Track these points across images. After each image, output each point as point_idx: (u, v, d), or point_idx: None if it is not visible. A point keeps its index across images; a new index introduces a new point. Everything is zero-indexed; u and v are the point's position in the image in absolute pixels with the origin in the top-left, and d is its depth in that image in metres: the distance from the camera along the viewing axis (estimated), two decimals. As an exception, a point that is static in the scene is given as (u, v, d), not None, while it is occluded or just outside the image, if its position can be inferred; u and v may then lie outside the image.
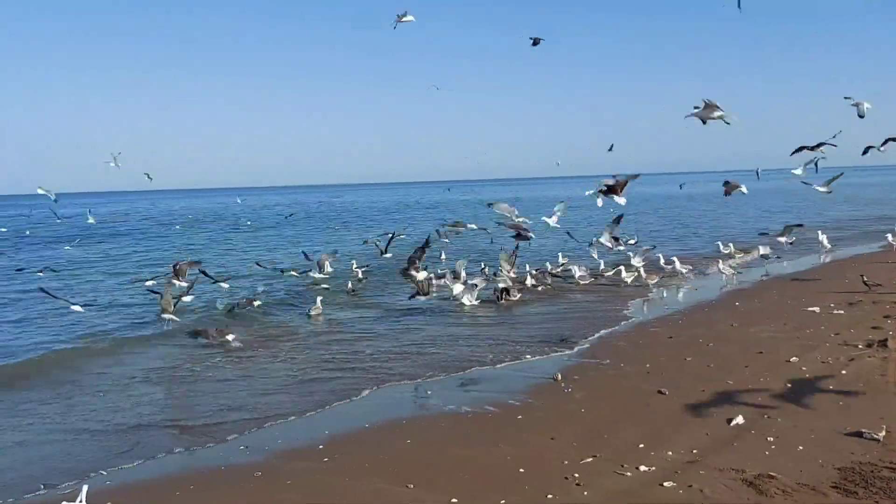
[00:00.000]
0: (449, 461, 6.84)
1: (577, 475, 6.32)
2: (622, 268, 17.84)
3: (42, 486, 6.78)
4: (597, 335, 12.31)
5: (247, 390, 9.76)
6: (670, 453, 6.71)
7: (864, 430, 6.70)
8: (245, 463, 7.16)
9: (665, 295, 16.54)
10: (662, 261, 18.57)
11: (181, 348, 12.45)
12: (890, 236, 21.88)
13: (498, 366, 10.53)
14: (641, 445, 6.95)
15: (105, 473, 7.03)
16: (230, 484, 6.63)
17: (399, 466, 6.77)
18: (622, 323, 13.41)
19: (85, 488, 5.52)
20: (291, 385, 9.96)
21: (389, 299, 17.16)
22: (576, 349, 11.29)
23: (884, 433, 6.60)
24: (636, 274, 17.63)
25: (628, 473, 6.31)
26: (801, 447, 6.60)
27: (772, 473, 6.00)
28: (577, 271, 17.81)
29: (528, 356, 11.03)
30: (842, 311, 12.86)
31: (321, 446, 7.43)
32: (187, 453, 7.58)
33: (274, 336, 13.36)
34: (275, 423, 8.39)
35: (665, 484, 6.02)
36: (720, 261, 18.61)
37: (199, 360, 11.54)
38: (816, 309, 13.20)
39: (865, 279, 15.01)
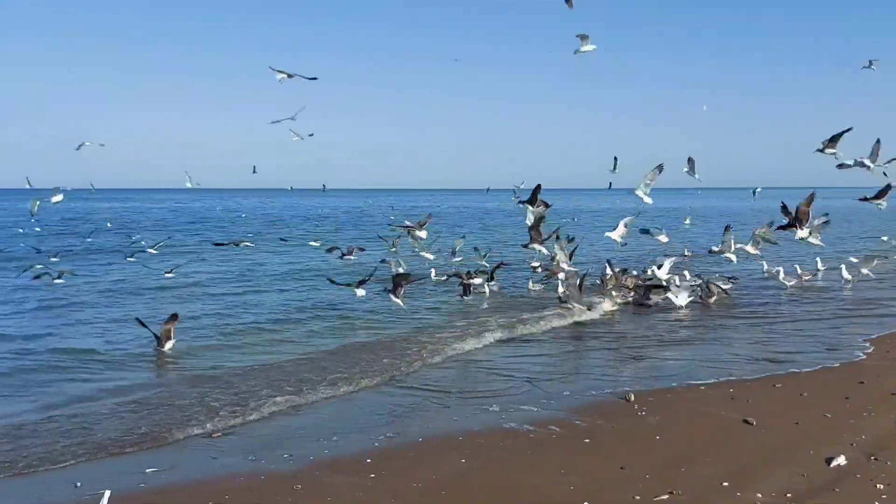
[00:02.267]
0: (506, 487, 6.16)
1: (649, 514, 5.55)
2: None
3: None
4: (666, 351, 11.41)
5: (294, 381, 9.35)
6: (760, 495, 5.85)
7: None
8: (287, 472, 6.65)
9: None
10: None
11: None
12: None
13: (563, 379, 9.77)
14: (725, 484, 6.11)
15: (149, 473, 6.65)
16: (267, 497, 6.12)
17: (451, 490, 6.13)
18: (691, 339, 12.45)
19: (107, 494, 5.07)
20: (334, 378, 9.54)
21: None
22: (650, 365, 10.41)
23: None
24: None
25: (710, 517, 5.49)
26: (917, 499, 5.64)
27: (885, 530, 5.08)
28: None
29: (595, 371, 10.25)
30: (956, 341, 11.53)
31: (368, 460, 6.85)
32: (229, 454, 7.14)
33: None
34: (321, 426, 7.99)
35: (754, 533, 5.19)
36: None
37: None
38: (921, 336, 11.91)
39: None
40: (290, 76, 11.86)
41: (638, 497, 5.87)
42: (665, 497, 5.86)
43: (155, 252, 22.50)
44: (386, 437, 7.52)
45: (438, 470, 6.55)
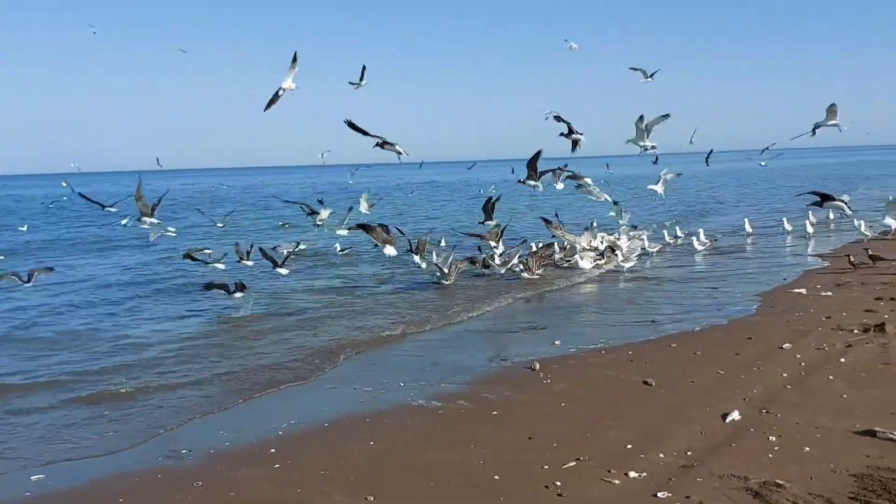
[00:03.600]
0: (415, 467, 6.05)
1: (558, 483, 5.58)
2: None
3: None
4: (569, 320, 11.61)
5: (187, 373, 8.98)
6: (662, 455, 6.00)
7: (876, 429, 6.03)
8: (186, 469, 6.30)
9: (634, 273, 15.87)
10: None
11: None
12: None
13: (471, 353, 9.76)
14: (629, 446, 6.23)
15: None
16: (166, 497, 5.77)
17: (359, 474, 5.96)
18: (594, 306, 12.74)
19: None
20: (236, 369, 9.24)
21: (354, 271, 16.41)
22: (551, 334, 10.54)
23: (900, 433, 5.93)
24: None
25: (616, 481, 5.58)
26: (807, 448, 5.92)
27: (779, 481, 5.30)
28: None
29: (502, 343, 10.31)
30: (830, 293, 12.27)
31: (273, 450, 6.57)
32: (121, 454, 6.71)
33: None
34: (221, 415, 7.68)
35: (659, 494, 5.30)
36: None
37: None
38: (803, 290, 12.61)
39: (852, 258, 14.48)
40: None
41: (546, 466, 5.89)
42: (573, 464, 5.92)
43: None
44: (290, 423, 7.25)
45: (346, 454, 6.37)
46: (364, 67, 12.12)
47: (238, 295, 12.93)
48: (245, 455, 6.51)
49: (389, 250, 13.50)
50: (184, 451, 6.67)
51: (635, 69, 13.49)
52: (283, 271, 13.80)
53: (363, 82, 12.26)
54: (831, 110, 11.78)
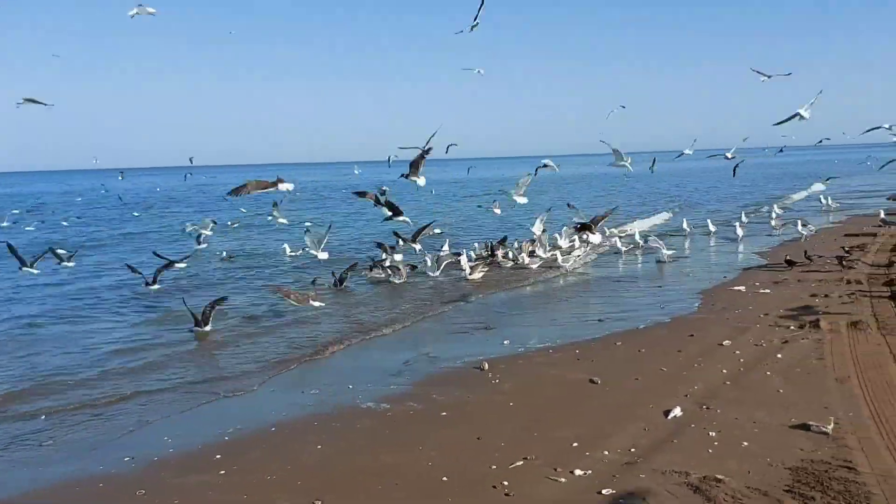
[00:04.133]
0: (364, 469, 6.04)
1: (505, 483, 5.64)
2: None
3: None
4: (517, 320, 11.74)
5: (130, 383, 8.80)
6: (607, 453, 6.12)
7: (811, 423, 6.26)
8: (128, 477, 6.16)
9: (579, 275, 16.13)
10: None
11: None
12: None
13: (421, 354, 9.78)
14: (575, 444, 6.34)
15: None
16: (107, 505, 5.65)
17: (307, 478, 5.92)
18: (542, 306, 12.90)
19: None
20: (181, 377, 9.05)
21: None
22: (500, 334, 10.63)
23: (832, 426, 6.17)
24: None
25: (562, 479, 5.67)
26: (745, 443, 6.12)
27: (718, 476, 5.46)
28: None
29: (451, 343, 10.35)
30: (768, 290, 12.68)
31: (218, 456, 6.48)
32: (61, 462, 6.53)
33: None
34: (164, 422, 7.54)
35: (604, 491, 5.41)
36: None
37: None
38: (742, 288, 12.99)
39: (788, 257, 14.97)
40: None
41: (494, 466, 5.95)
42: (520, 463, 5.99)
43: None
44: (235, 428, 7.16)
45: (293, 459, 6.32)
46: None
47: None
48: (190, 461, 6.40)
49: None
50: (126, 459, 6.53)
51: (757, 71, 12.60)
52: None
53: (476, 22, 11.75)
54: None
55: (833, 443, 5.97)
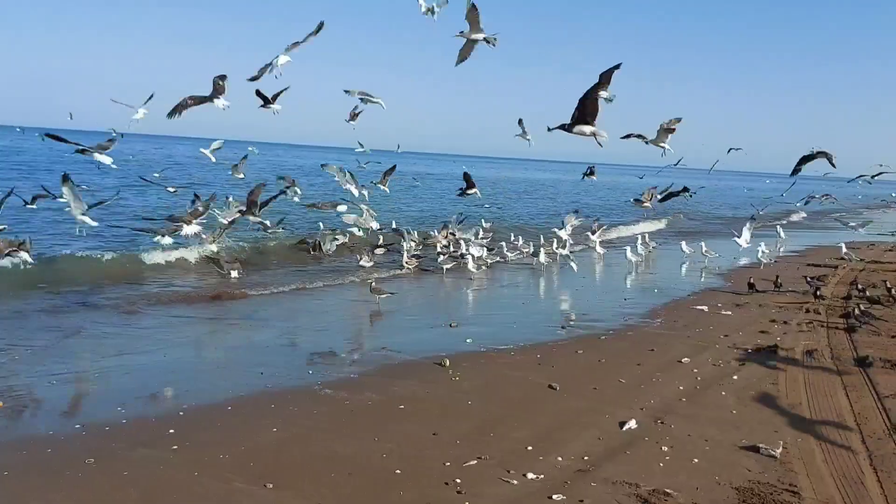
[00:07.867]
0: (317, 457, 6.03)
1: (458, 480, 5.68)
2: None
3: None
4: (483, 319, 11.78)
5: (101, 355, 8.62)
6: (560, 459, 6.18)
7: (760, 445, 6.39)
8: (77, 446, 6.07)
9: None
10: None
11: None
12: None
13: (384, 344, 9.76)
14: (530, 448, 6.39)
15: None
16: (55, 472, 5.55)
17: (260, 461, 5.89)
18: (510, 309, 12.96)
19: None
20: (149, 348, 8.88)
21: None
22: (464, 332, 10.66)
23: (780, 450, 6.31)
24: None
25: (514, 482, 5.71)
26: (696, 459, 6.22)
27: (667, 490, 5.56)
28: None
29: (413, 336, 10.36)
30: (730, 312, 12.88)
31: (172, 430, 6.42)
32: (9, 426, 6.42)
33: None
34: (116, 392, 7.45)
35: (554, 497, 5.46)
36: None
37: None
38: (705, 308, 13.18)
39: (751, 281, 15.23)
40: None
41: (448, 463, 5.98)
42: (474, 462, 6.02)
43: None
44: (192, 404, 7.09)
45: (248, 440, 6.28)
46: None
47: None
48: (142, 434, 6.33)
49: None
50: (77, 427, 6.43)
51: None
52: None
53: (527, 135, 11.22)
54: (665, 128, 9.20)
55: (780, 466, 6.10)
